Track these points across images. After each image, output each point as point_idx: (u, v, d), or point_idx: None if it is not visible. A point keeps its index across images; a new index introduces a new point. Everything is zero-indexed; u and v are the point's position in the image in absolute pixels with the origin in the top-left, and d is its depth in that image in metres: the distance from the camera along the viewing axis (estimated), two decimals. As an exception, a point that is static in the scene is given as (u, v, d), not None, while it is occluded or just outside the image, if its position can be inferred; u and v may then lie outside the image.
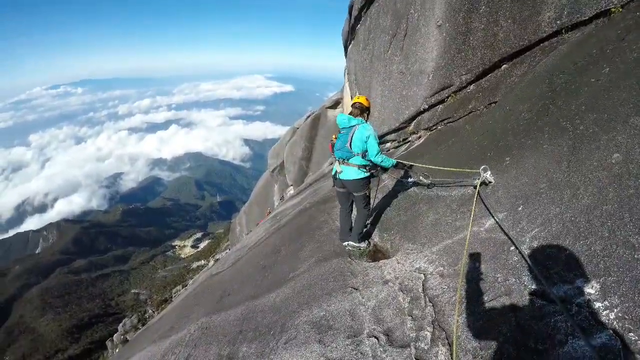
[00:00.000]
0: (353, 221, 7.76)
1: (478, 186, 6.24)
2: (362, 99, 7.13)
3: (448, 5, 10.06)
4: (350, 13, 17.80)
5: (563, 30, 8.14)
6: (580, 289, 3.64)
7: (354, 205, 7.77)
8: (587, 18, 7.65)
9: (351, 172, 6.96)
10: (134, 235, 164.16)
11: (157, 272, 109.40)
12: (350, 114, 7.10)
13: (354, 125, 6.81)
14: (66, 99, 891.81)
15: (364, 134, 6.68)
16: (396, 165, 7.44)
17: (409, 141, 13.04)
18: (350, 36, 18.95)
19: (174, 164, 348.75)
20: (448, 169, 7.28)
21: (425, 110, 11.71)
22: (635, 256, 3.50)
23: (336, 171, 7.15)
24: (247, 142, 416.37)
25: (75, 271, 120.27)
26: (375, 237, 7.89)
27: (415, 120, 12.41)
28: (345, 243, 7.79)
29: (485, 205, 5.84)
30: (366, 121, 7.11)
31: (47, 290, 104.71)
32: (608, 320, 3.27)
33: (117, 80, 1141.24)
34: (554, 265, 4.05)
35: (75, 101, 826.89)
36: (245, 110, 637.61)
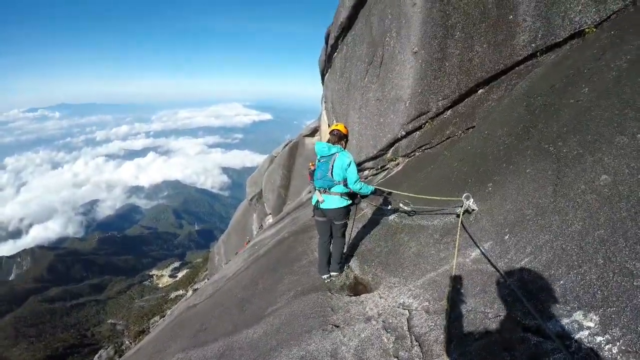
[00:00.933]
0: (332, 252, 7.40)
1: (461, 214, 5.89)
2: (340, 126, 6.92)
3: (424, 32, 9.93)
4: (327, 41, 17.64)
5: (538, 53, 8.05)
6: (579, 322, 3.30)
7: (331, 237, 7.37)
8: (561, 39, 7.59)
9: (333, 201, 6.68)
10: (111, 264, 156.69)
11: (134, 302, 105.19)
12: (328, 141, 6.84)
13: (334, 153, 6.59)
14: (43, 122, 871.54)
15: (344, 161, 6.48)
16: (375, 192, 7.15)
17: (387, 168, 12.72)
18: (327, 64, 18.83)
19: (152, 191, 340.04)
20: (428, 197, 6.99)
21: (402, 137, 11.48)
22: (635, 283, 3.18)
23: (317, 201, 6.84)
24: (225, 170, 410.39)
25: (50, 300, 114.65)
26: (356, 269, 7.47)
27: (393, 148, 12.17)
28: (325, 276, 7.41)
29: (470, 235, 5.50)
30: (344, 148, 6.88)
31: (20, 318, 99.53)
32: (611, 355, 2.92)
33: (95, 106, 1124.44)
34: (548, 298, 3.70)
35: (53, 125, 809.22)
36: (224, 138, 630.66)
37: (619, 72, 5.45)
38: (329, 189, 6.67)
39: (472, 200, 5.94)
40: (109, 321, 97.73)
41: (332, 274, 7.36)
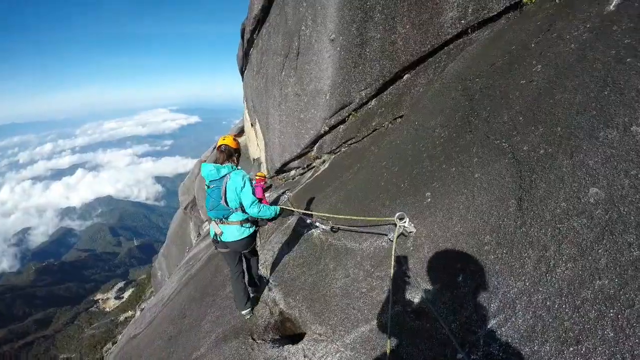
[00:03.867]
0: (246, 280, 6.15)
1: (394, 240, 4.31)
2: (228, 140, 5.52)
3: (340, 17, 8.65)
4: (242, 37, 16.06)
5: (469, 30, 6.88)
6: None
7: (242, 264, 6.07)
8: (495, 14, 6.47)
9: (233, 232, 5.40)
10: (53, 295, 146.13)
11: (84, 332, 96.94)
12: (216, 160, 5.45)
13: (224, 175, 5.24)
14: None
15: (237, 182, 5.16)
16: (280, 214, 5.68)
17: (313, 167, 11.37)
18: (244, 61, 17.20)
19: (85, 211, 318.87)
20: (349, 217, 5.58)
21: (326, 133, 10.15)
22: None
23: (215, 233, 5.52)
24: (158, 179, 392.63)
25: None
26: (281, 303, 5.97)
27: (317, 145, 10.79)
28: (245, 312, 6.07)
29: (408, 272, 3.95)
30: (237, 165, 5.52)
31: None
32: None
33: (15, 125, 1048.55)
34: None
35: None
36: (153, 146, 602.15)
37: (579, 44, 4.03)
38: (226, 218, 5.39)
39: (407, 220, 4.37)
40: (61, 356, 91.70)
41: (252, 290, 6.37)
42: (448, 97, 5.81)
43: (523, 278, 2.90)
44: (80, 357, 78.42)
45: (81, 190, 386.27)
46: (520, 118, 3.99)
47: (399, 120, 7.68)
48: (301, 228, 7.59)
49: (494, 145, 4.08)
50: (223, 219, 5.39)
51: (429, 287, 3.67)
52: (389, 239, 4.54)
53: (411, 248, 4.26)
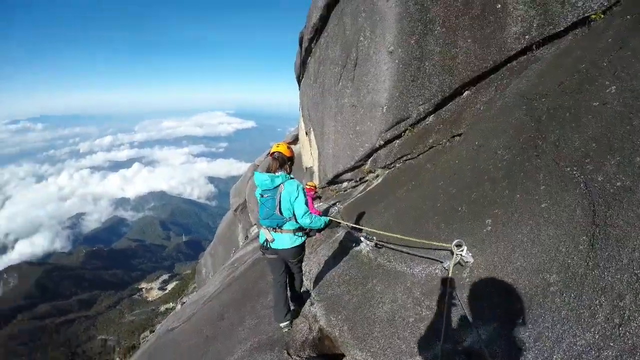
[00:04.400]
0: (288, 292, 6.01)
1: (451, 270, 4.01)
2: (282, 148, 5.49)
3: (400, 29, 8.40)
4: (301, 45, 15.96)
5: (534, 46, 6.50)
6: None
7: (287, 274, 5.92)
8: (561, 29, 6.08)
9: (285, 240, 5.31)
10: (99, 278, 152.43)
11: (125, 317, 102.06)
12: (269, 169, 5.35)
13: (279, 185, 5.16)
14: (26, 135, 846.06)
15: (292, 193, 5.09)
16: (329, 224, 5.56)
17: (366, 180, 11.07)
18: (302, 70, 17.08)
19: (138, 203, 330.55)
20: (402, 237, 5.28)
21: (381, 147, 9.84)
22: None
23: (266, 240, 5.42)
24: (211, 180, 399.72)
25: (39, 317, 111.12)
26: (322, 319, 5.70)
27: (371, 158, 10.49)
28: (284, 324, 5.87)
29: (462, 305, 3.64)
30: (290, 174, 5.44)
31: (10, 336, 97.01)
32: None
33: (78, 117, 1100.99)
34: None
35: (35, 137, 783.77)
36: (209, 147, 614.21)
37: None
38: (279, 227, 5.27)
39: (465, 249, 4.05)
40: (99, 337, 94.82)
41: (293, 305, 6.19)
42: (512, 116, 5.43)
43: (592, 329, 2.56)
44: (118, 340, 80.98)
45: (136, 183, 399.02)
46: (594, 144, 3.63)
47: (457, 138, 7.24)
48: (349, 243, 7.37)
49: (563, 173, 3.73)
50: (277, 227, 5.30)
51: (485, 326, 3.35)
52: (444, 267, 4.24)
53: (467, 280, 3.93)
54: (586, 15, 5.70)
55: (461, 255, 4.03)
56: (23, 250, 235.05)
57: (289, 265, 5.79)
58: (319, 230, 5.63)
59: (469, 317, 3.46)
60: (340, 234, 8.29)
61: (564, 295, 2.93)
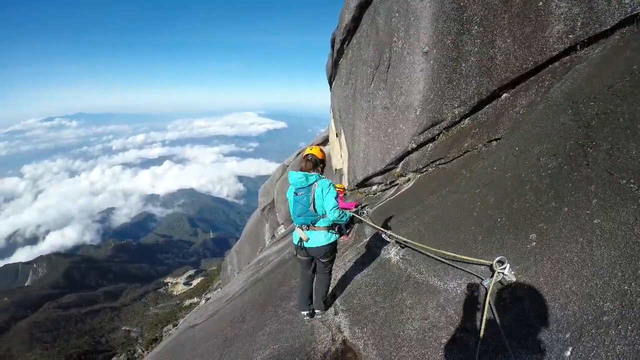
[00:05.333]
0: (315, 288, 6.13)
1: (490, 288, 3.61)
2: (315, 150, 5.79)
3: (435, 29, 8.11)
4: (332, 47, 15.77)
5: (578, 46, 6.03)
6: None
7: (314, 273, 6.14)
8: (608, 28, 5.62)
9: (319, 238, 5.49)
10: (126, 271, 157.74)
11: (149, 309, 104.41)
12: (302, 169, 5.59)
13: (312, 183, 5.40)
14: (60, 131, 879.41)
15: (324, 189, 5.35)
16: (353, 219, 6.52)
17: (396, 184, 10.77)
18: (333, 71, 16.85)
19: (167, 200, 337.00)
20: (437, 250, 4.94)
21: (413, 150, 9.53)
22: None
23: (300, 239, 5.56)
24: (240, 178, 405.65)
25: (65, 306, 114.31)
26: (345, 330, 5.46)
27: (402, 161, 10.20)
28: (305, 312, 6.23)
29: (501, 330, 3.23)
30: (322, 174, 5.70)
31: (35, 324, 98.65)
32: None
33: (111, 115, 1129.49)
34: None
35: (70, 134, 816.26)
36: (239, 147, 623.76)
37: None
38: (314, 224, 5.49)
39: (507, 266, 3.66)
40: (123, 328, 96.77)
41: (316, 312, 6.22)
42: (556, 121, 5.00)
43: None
44: (141, 332, 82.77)
45: (166, 180, 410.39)
46: (654, 154, 3.25)
47: (494, 143, 6.88)
48: (377, 249, 7.16)
49: (619, 186, 3.32)
50: (311, 224, 5.48)
51: (527, 355, 2.98)
52: (483, 285, 3.86)
53: (508, 301, 3.53)
54: (635, 12, 5.26)
55: (503, 273, 3.65)
56: (53, 242, 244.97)
57: (318, 265, 5.88)
58: (348, 226, 6.81)
59: (507, 345, 3.09)
60: (368, 239, 8.05)
61: (620, 327, 2.55)
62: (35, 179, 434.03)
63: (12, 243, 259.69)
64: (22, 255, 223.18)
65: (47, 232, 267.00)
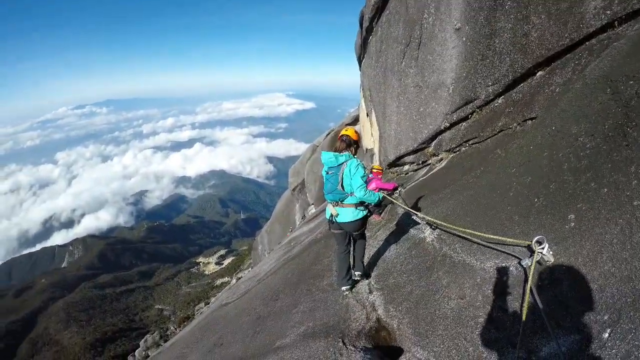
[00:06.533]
0: (351, 261, 6.57)
1: (531, 269, 3.59)
2: (350, 132, 6.08)
3: (467, 4, 7.99)
4: (361, 25, 15.67)
5: (616, 23, 5.82)
6: None
7: (351, 245, 6.57)
8: None
9: (348, 214, 5.91)
10: (159, 252, 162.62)
11: (181, 288, 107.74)
12: (335, 149, 6.02)
13: (342, 163, 5.80)
14: (91, 118, 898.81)
15: (352, 169, 5.72)
16: (383, 201, 6.83)
17: (429, 164, 10.75)
18: (363, 50, 16.77)
19: (198, 181, 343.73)
20: (473, 231, 4.92)
21: (446, 129, 9.48)
22: None
23: (331, 214, 6.06)
24: (270, 159, 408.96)
25: (100, 286, 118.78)
26: (380, 308, 5.59)
27: (435, 141, 10.13)
28: (345, 288, 6.57)
29: (541, 310, 3.30)
30: (354, 155, 6.00)
31: (72, 303, 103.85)
32: None
33: (141, 100, 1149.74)
34: None
35: (101, 120, 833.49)
36: (268, 128, 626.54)
37: None
38: (342, 201, 5.92)
39: (546, 246, 3.66)
40: (156, 307, 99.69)
41: (356, 274, 6.59)
42: (594, 100, 4.92)
43: None
44: (174, 310, 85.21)
45: (197, 162, 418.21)
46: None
47: (529, 122, 6.80)
48: (411, 229, 7.25)
49: (660, 167, 3.34)
50: (339, 201, 5.90)
51: (565, 336, 3.03)
52: (522, 265, 3.88)
53: (546, 281, 3.57)
54: (677, -13, 5.05)
55: (542, 253, 3.66)
56: (88, 225, 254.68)
57: (352, 237, 6.37)
58: (377, 206, 6.94)
59: (547, 324, 3.14)
60: (400, 218, 8.15)
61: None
62: (69, 165, 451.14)
63: (49, 227, 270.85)
64: (59, 238, 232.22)
65: (82, 215, 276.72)
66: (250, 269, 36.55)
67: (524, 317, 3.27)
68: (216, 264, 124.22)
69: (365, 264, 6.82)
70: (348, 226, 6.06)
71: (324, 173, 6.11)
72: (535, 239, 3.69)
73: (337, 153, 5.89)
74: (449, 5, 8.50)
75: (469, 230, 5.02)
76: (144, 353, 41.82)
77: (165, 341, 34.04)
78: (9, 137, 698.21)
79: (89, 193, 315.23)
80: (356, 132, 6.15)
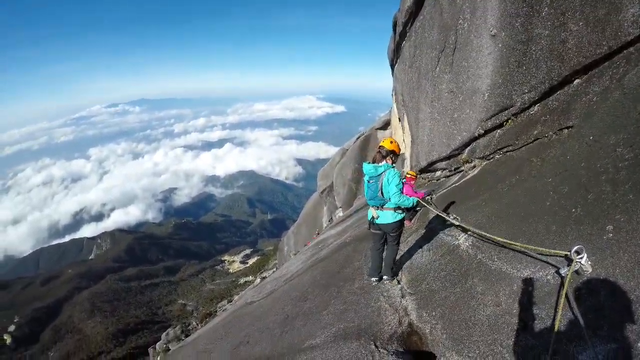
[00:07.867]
0: (384, 257, 7.24)
1: (567, 279, 3.67)
2: (385, 143, 6.60)
3: (503, 11, 7.94)
4: (394, 30, 15.75)
5: None
6: None
7: (385, 245, 7.21)
8: None
9: (387, 217, 6.55)
10: (185, 248, 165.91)
11: (205, 285, 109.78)
12: (373, 160, 6.61)
13: (381, 173, 6.37)
14: (124, 116, 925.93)
15: (389, 178, 6.30)
16: (417, 205, 7.37)
17: (461, 171, 10.75)
18: (396, 54, 16.78)
19: (227, 181, 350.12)
20: (511, 242, 4.95)
21: (480, 136, 9.43)
22: None
23: (372, 217, 6.74)
24: (299, 161, 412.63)
25: (126, 279, 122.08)
26: (412, 313, 5.72)
27: (469, 147, 10.11)
28: (374, 279, 7.37)
29: (579, 319, 3.38)
30: (393, 164, 6.57)
31: (97, 294, 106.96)
32: None
33: (173, 100, 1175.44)
34: None
35: (133, 119, 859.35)
36: (298, 130, 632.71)
37: None
38: (382, 206, 6.53)
39: (585, 256, 3.72)
40: (179, 301, 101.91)
41: (384, 277, 7.28)
42: (632, 110, 4.95)
43: None
44: (197, 306, 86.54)
45: (227, 162, 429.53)
46: None
47: (565, 131, 6.75)
48: (444, 235, 7.36)
49: (701, 181, 3.38)
50: (380, 206, 6.53)
51: (602, 345, 3.10)
52: (560, 274, 3.94)
53: (583, 291, 3.63)
54: None
55: (580, 263, 3.72)
56: (118, 219, 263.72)
57: (388, 238, 6.92)
58: (410, 210, 7.97)
59: (583, 334, 3.21)
60: (432, 225, 8.26)
61: None
62: (101, 161, 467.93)
63: (79, 219, 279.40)
64: (88, 230, 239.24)
65: (112, 210, 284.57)
66: (275, 270, 36.79)
67: (558, 326, 3.35)
68: (241, 262, 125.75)
69: (395, 266, 7.27)
70: (386, 227, 6.65)
71: (365, 181, 6.62)
72: (574, 248, 3.74)
73: (376, 164, 6.47)
74: (485, 11, 8.46)
75: (506, 240, 5.06)
76: (164, 346, 42.22)
77: (187, 336, 34.42)
78: (44, 132, 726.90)
79: (119, 188, 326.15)
80: (392, 142, 6.62)
